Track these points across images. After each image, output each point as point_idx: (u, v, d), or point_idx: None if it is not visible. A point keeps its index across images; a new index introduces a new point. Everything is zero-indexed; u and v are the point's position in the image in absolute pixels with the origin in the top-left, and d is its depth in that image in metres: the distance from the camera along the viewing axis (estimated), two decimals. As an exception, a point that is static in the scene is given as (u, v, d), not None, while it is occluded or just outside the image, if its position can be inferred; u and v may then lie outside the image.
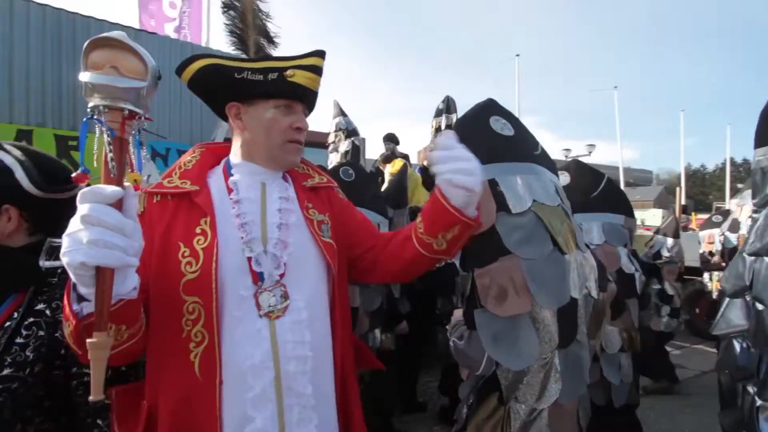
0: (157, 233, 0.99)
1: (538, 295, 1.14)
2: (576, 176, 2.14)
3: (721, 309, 1.44)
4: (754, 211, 1.43)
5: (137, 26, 5.71)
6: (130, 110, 0.76)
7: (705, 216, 7.50)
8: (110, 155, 0.75)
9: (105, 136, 0.76)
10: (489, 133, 1.34)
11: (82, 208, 0.72)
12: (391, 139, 4.86)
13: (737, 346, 1.36)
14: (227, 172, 1.10)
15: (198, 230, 0.99)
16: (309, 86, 1.09)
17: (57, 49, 3.65)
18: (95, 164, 0.78)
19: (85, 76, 0.74)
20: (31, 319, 1.02)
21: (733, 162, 24.68)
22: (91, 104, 0.75)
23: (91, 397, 0.74)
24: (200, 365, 0.95)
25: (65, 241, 0.73)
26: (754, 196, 1.43)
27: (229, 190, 1.07)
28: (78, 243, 0.72)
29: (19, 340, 0.99)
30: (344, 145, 3.95)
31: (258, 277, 1.01)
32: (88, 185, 0.75)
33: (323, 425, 1.02)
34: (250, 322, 0.98)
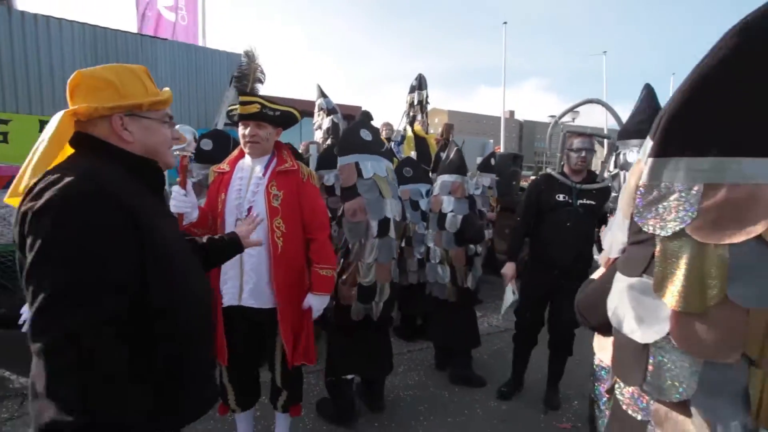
0: (216, 190, 2.13)
1: (369, 214, 2.70)
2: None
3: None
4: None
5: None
6: (184, 154, 1.97)
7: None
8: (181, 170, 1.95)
9: (179, 162, 1.92)
10: (357, 138, 2.84)
11: (173, 193, 1.90)
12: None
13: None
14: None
15: (222, 190, 2.11)
16: (244, 113, 2.06)
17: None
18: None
19: None
20: None
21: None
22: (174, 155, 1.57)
23: None
24: None
25: (170, 203, 1.88)
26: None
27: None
28: (171, 204, 1.87)
29: None
30: (326, 123, 4.47)
31: (238, 214, 2.06)
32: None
33: (256, 286, 2.07)
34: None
